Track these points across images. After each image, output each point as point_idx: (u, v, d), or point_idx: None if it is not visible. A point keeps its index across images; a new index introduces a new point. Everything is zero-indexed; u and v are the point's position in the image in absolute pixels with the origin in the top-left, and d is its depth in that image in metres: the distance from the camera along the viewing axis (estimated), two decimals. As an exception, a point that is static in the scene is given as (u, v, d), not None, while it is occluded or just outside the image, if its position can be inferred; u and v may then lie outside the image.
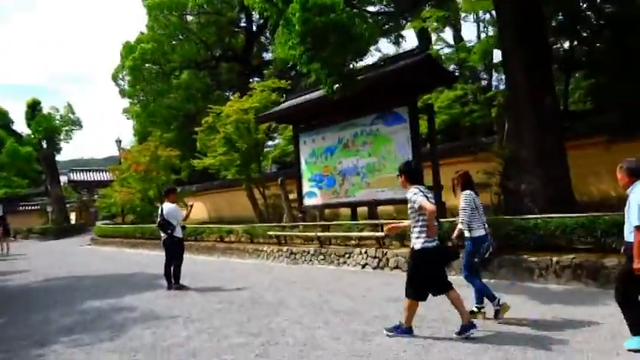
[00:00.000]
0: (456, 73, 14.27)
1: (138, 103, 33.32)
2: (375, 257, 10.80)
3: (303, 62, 8.53)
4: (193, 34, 32.25)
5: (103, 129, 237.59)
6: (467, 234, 5.99)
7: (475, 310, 6.00)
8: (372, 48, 12.17)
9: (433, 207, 5.04)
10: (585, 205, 10.13)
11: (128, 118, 36.80)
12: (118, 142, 28.38)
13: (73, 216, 42.32)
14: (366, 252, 11.04)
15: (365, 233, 11.60)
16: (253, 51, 35.79)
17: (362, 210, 13.62)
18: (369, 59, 16.79)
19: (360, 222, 12.29)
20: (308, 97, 13.84)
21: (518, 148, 9.72)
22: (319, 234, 12.48)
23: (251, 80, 32.09)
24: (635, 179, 4.47)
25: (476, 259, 5.98)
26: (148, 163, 22.20)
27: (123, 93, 33.65)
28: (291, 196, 16.43)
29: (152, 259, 16.25)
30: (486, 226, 6.08)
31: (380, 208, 14.04)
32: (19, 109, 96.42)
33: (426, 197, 5.12)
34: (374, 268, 10.67)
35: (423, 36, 19.38)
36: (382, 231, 11.03)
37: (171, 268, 9.52)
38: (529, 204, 9.55)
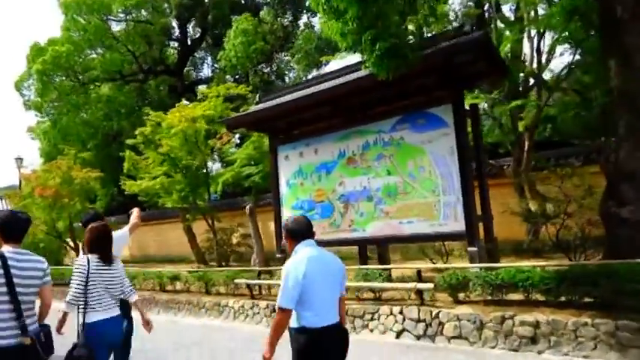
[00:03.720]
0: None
1: (47, 117, 27.90)
2: (417, 320, 7.29)
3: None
4: (118, 41, 27.74)
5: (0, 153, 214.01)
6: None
7: None
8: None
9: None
10: None
11: (33, 138, 30.94)
12: (19, 160, 22.92)
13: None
14: (401, 312, 7.51)
15: (392, 284, 8.03)
16: (187, 67, 31.93)
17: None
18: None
19: (378, 267, 8.73)
20: (294, 95, 10.30)
21: (637, 160, 6.75)
22: (318, 283, 8.79)
23: (183, 100, 28.15)
24: (294, 242, 3.35)
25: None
26: (58, 187, 17.33)
27: (28, 105, 28.05)
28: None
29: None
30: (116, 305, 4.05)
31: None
32: None
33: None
34: (418, 338, 7.15)
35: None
36: (420, 280, 7.68)
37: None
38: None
